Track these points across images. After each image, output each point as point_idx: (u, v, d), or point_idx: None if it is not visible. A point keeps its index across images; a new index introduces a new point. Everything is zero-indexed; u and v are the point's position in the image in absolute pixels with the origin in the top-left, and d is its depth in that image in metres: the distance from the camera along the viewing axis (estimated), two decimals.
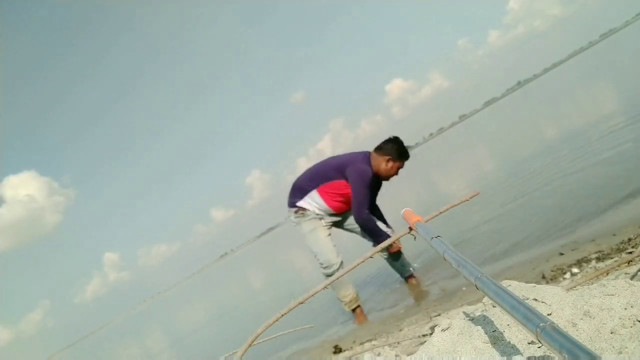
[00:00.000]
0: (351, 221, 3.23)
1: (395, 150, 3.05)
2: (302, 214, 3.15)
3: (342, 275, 1.37)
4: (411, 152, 3.27)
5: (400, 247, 3.22)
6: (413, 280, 3.38)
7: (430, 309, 2.56)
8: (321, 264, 3.13)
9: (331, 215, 3.21)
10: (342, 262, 3.12)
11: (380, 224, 3.13)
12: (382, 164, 3.05)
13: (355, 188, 2.97)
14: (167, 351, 6.72)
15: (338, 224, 3.32)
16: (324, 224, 3.18)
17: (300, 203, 3.16)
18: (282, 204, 3.40)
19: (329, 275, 3.11)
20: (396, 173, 3.11)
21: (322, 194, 3.10)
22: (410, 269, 3.42)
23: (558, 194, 3.67)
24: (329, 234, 3.19)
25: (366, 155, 3.10)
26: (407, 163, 3.18)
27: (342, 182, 3.05)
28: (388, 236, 3.00)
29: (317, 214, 3.15)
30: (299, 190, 3.18)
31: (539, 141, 7.29)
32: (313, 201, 3.14)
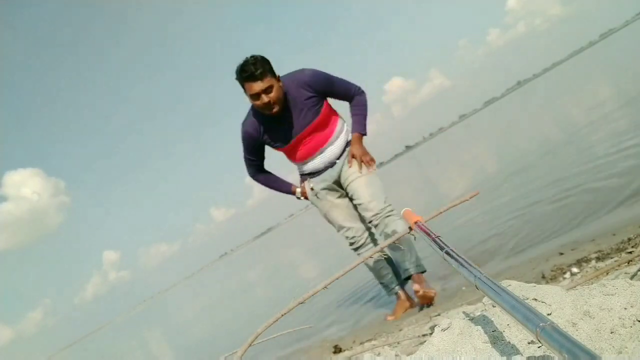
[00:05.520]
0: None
1: (240, 83, 2.54)
2: None
3: (342, 276, 1.37)
4: (411, 152, 3.27)
5: None
6: (415, 286, 2.62)
7: (430, 308, 2.56)
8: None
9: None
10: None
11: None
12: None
13: None
14: (167, 351, 6.72)
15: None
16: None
17: None
18: (282, 203, 3.34)
19: None
20: (255, 98, 2.49)
21: None
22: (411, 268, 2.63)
23: (557, 194, 3.67)
24: None
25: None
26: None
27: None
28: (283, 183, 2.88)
29: None
30: None
31: (538, 141, 7.29)
32: None
